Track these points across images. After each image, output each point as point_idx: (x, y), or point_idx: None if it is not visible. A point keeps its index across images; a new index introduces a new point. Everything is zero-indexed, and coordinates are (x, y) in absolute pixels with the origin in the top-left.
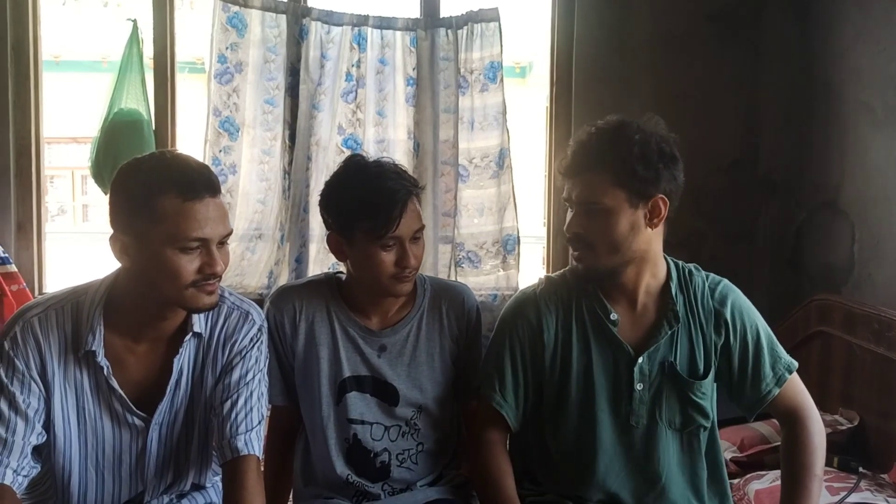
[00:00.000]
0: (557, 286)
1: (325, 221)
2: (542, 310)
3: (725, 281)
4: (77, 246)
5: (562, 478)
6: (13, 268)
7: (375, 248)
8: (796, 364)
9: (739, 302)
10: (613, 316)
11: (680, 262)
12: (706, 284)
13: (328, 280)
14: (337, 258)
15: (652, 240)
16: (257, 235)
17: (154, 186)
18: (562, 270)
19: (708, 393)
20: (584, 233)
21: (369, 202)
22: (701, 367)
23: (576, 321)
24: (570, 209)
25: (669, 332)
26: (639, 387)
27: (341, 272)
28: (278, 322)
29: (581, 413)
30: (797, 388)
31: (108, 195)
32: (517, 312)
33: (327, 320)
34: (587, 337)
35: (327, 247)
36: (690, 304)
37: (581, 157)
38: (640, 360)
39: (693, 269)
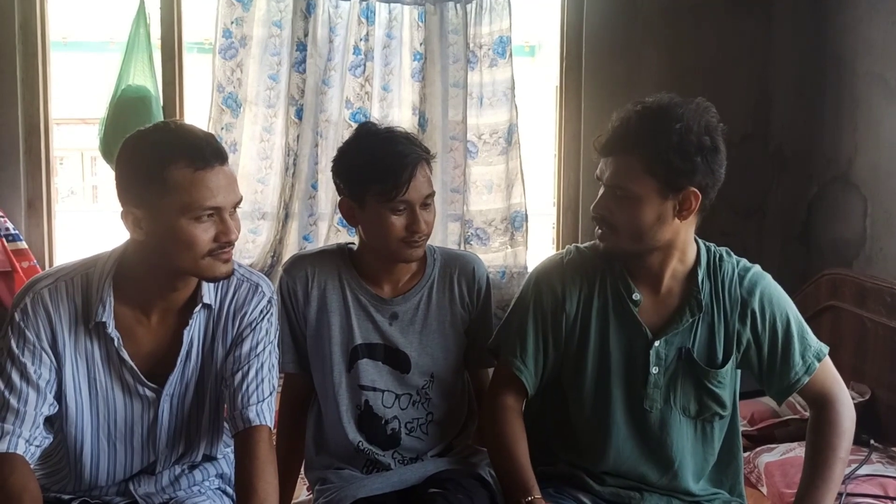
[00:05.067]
0: (585, 258)
1: (337, 187)
2: (567, 280)
3: (756, 268)
4: (87, 226)
5: (576, 448)
6: (24, 245)
7: (386, 212)
8: (826, 350)
9: (769, 290)
10: (636, 296)
11: (712, 247)
12: (736, 272)
13: (340, 250)
14: (349, 223)
15: (681, 229)
16: (260, 215)
17: (164, 157)
18: (592, 242)
19: (725, 382)
20: (609, 216)
21: (380, 165)
22: (720, 355)
23: (598, 296)
24: (602, 187)
25: (691, 320)
26: (654, 370)
27: (352, 243)
28: (291, 289)
29: (596, 388)
30: (828, 374)
31: (115, 169)
32: (543, 279)
33: (339, 288)
34: (607, 313)
35: (339, 220)
36: (717, 291)
37: (617, 137)
38: (657, 343)
39: (724, 253)
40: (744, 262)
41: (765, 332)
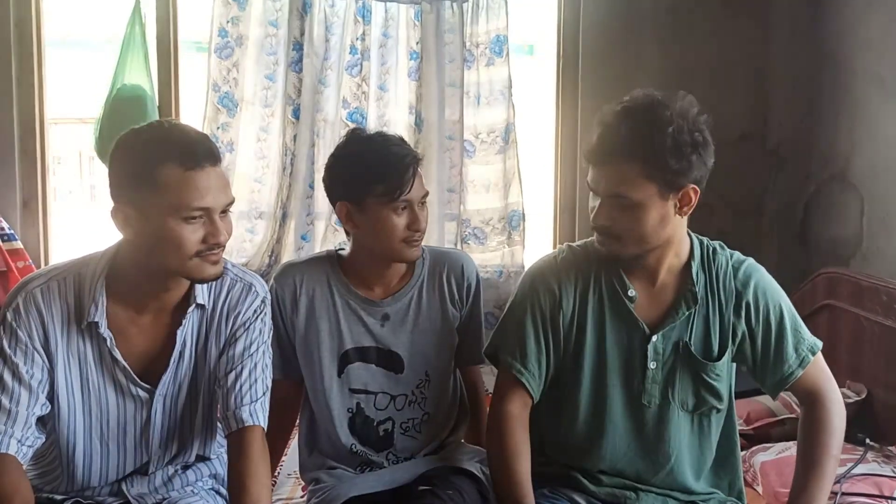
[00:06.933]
0: (579, 256)
1: (329, 192)
2: (563, 278)
3: (750, 260)
4: (85, 226)
5: (572, 448)
6: (19, 244)
7: (388, 213)
8: (820, 344)
9: (763, 283)
10: (632, 292)
11: (704, 240)
12: (730, 264)
13: (329, 256)
14: (346, 228)
15: (678, 225)
16: (257, 215)
17: (154, 157)
18: (584, 241)
19: (722, 375)
20: (612, 225)
21: (381, 167)
22: (715, 348)
23: (594, 293)
24: (593, 195)
25: (687, 313)
26: (652, 365)
27: (342, 248)
28: (280, 298)
29: (593, 387)
30: (820, 370)
31: (108, 167)
32: (539, 279)
33: (328, 294)
34: (603, 311)
35: (336, 220)
36: (712, 284)
37: (609, 144)
38: (655, 338)
39: (718, 247)
40: (737, 254)
41: (758, 324)
